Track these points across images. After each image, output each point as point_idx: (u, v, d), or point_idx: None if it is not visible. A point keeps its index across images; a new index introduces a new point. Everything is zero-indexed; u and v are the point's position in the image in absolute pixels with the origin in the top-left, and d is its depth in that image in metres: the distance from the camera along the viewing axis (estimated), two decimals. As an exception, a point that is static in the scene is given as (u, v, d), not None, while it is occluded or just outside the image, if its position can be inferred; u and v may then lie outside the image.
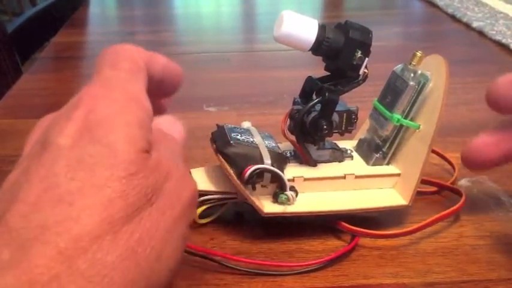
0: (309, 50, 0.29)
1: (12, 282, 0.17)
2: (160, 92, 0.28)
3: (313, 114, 0.31)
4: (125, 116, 0.22)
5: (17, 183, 0.20)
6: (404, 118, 0.32)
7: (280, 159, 0.30)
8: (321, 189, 0.31)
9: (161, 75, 0.27)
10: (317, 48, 0.29)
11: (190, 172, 0.23)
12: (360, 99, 0.34)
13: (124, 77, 0.24)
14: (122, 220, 0.19)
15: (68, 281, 0.17)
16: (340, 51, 0.29)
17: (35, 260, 0.17)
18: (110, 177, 0.19)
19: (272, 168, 0.29)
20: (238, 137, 0.30)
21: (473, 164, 0.30)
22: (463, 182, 0.36)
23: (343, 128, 0.32)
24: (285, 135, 0.32)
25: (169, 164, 0.22)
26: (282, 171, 0.29)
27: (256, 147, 0.30)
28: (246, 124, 0.33)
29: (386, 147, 0.33)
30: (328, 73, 0.31)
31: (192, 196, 0.22)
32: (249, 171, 0.28)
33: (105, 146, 0.20)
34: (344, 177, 0.32)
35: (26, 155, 0.22)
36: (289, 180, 0.30)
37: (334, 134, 0.32)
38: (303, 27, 0.28)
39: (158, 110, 0.31)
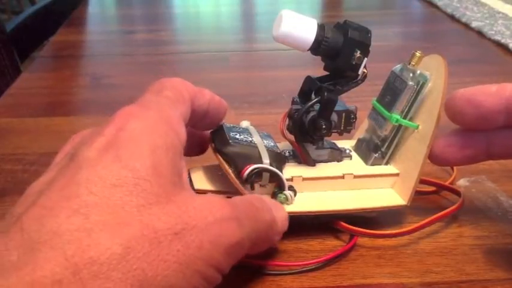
0: (308, 50, 0.29)
1: (15, 281, 0.17)
2: (204, 123, 0.29)
3: (312, 113, 0.31)
4: (153, 137, 0.22)
5: (39, 190, 0.21)
6: (403, 118, 0.32)
7: (279, 159, 0.30)
8: (319, 188, 0.31)
9: (206, 107, 0.28)
10: (316, 47, 0.29)
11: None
12: (358, 99, 0.34)
13: (163, 102, 0.24)
14: (136, 240, 0.19)
15: None
16: (339, 51, 0.29)
17: (40, 263, 0.17)
18: (128, 202, 0.19)
19: (271, 167, 0.29)
20: (237, 136, 0.30)
21: (437, 162, 0.30)
22: (462, 182, 0.36)
23: (342, 128, 0.32)
24: (283, 134, 0.32)
25: (206, 205, 0.21)
26: (281, 171, 0.29)
27: (255, 146, 0.30)
28: (245, 123, 0.33)
29: (385, 147, 0.33)
30: (327, 73, 0.31)
31: (233, 245, 0.21)
32: (247, 171, 0.28)
33: (130, 171, 0.20)
34: (343, 177, 0.32)
35: (54, 165, 0.23)
36: (287, 179, 0.30)
37: (333, 133, 0.32)
38: (302, 26, 0.28)
39: (201, 145, 0.32)
